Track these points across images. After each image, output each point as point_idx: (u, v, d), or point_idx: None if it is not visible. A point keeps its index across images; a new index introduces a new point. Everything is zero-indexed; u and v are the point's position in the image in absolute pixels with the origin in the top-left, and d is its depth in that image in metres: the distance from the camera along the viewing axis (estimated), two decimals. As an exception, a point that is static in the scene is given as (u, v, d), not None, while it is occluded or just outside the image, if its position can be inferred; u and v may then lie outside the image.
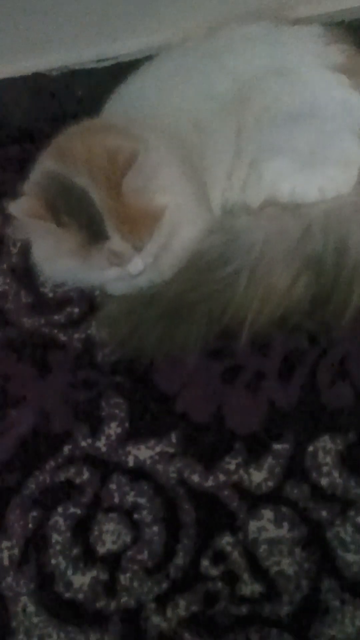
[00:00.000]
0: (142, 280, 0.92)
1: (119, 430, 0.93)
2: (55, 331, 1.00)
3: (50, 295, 1.03)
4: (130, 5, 1.05)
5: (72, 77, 1.10)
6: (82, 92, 1.12)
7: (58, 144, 0.88)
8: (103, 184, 0.82)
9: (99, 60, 1.10)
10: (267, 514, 0.87)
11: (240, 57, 0.97)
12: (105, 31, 1.08)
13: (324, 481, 0.88)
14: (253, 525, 0.87)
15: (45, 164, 0.87)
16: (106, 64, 1.10)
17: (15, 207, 0.82)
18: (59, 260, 0.85)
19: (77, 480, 0.91)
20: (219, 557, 0.86)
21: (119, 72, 1.01)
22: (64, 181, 0.84)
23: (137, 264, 0.86)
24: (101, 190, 0.82)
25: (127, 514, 0.89)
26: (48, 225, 0.82)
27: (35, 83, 1.10)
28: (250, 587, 0.84)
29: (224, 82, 0.96)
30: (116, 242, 0.83)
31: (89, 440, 0.93)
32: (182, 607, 0.84)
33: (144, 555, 0.87)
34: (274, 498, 0.88)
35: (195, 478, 0.90)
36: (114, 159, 0.82)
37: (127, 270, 0.87)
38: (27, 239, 0.90)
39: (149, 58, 1.02)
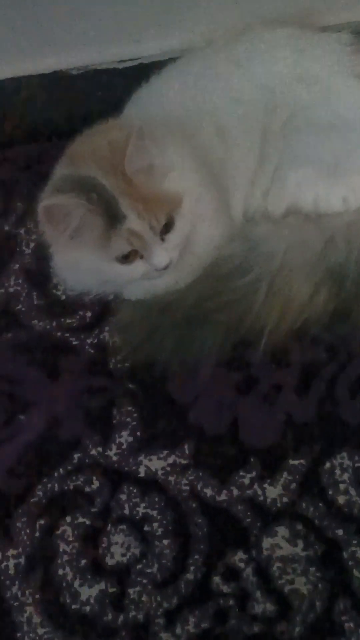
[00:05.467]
0: (161, 284, 0.90)
1: (130, 439, 0.91)
2: (67, 335, 0.98)
3: (63, 298, 1.01)
4: (154, 7, 1.04)
5: (93, 77, 1.09)
6: (103, 92, 1.11)
7: (67, 153, 0.89)
8: (109, 169, 0.83)
9: (120, 61, 1.09)
10: (282, 531, 0.85)
11: (266, 63, 0.96)
12: (128, 32, 1.07)
13: (340, 499, 0.86)
14: (267, 542, 0.84)
15: (57, 173, 0.88)
16: (128, 64, 1.09)
17: (45, 203, 0.82)
18: (82, 259, 0.84)
19: (87, 489, 0.89)
20: (231, 574, 0.84)
21: (141, 73, 1.00)
22: (74, 176, 0.85)
23: (162, 255, 0.85)
24: (109, 175, 0.83)
25: (137, 525, 0.87)
26: (80, 204, 0.81)
27: (55, 81, 1.09)
28: (262, 606, 0.82)
29: (249, 87, 0.95)
30: (133, 220, 0.83)
31: (100, 449, 0.91)
32: (192, 623, 0.82)
33: (154, 569, 0.85)
34: (289, 515, 0.85)
35: (208, 491, 0.87)
36: (115, 148, 0.84)
37: (153, 262, 0.85)
38: (48, 244, 0.88)
39: (171, 60, 1.01)
